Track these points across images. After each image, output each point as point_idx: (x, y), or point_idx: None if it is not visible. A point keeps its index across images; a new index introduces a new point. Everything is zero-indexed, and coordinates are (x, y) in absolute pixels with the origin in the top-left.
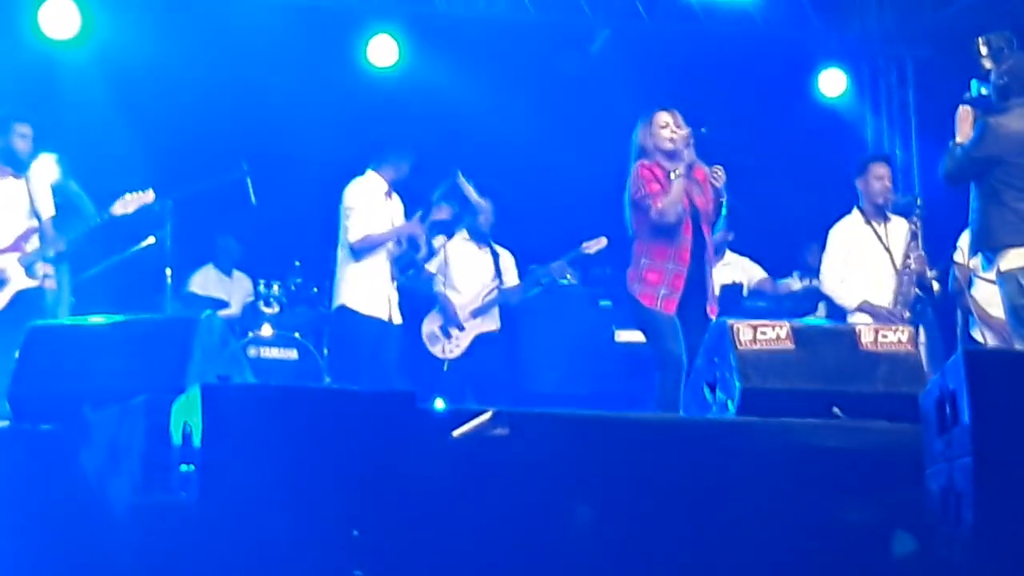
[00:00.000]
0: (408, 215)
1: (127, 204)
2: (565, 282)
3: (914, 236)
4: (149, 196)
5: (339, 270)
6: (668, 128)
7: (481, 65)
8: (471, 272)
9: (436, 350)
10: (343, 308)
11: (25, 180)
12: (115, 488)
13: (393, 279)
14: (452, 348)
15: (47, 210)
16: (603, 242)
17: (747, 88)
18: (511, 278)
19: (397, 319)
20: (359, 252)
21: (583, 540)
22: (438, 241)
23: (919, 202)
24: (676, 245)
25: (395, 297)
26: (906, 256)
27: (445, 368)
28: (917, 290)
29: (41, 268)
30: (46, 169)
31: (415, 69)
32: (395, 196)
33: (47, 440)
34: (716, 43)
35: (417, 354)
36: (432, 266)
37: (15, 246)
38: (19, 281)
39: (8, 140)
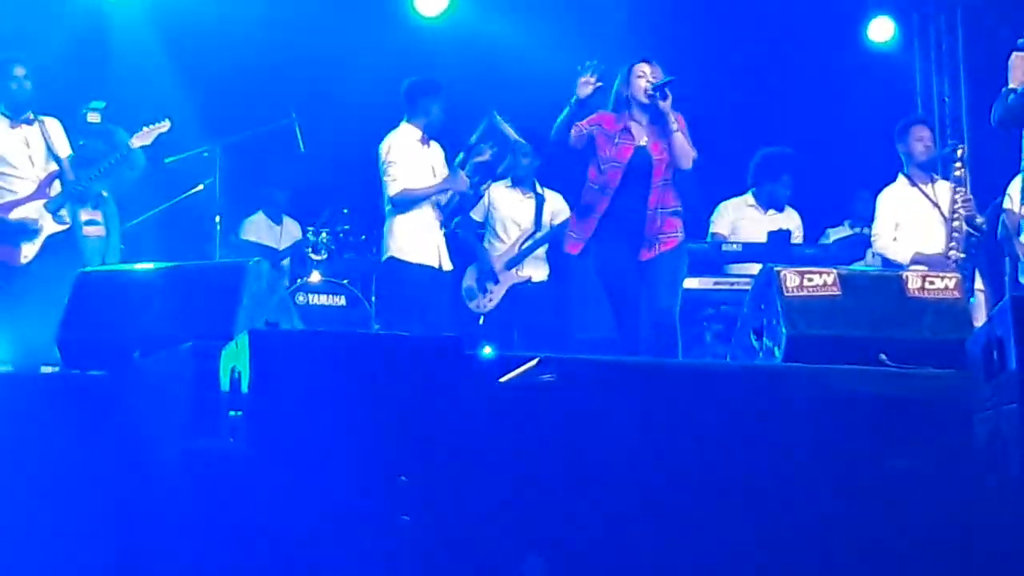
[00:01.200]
0: (449, 160)
1: (144, 136)
2: None
3: (959, 182)
4: (165, 125)
5: (386, 222)
6: (644, 78)
7: (530, 14)
8: (511, 220)
9: (472, 305)
10: (392, 259)
11: (39, 124)
12: (164, 434)
13: (441, 226)
14: (486, 303)
15: (63, 150)
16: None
17: (796, 35)
18: (560, 221)
19: (447, 265)
20: (401, 205)
21: (631, 488)
22: (485, 186)
23: (960, 151)
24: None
25: (443, 244)
26: (953, 201)
27: (481, 322)
28: (969, 229)
29: (67, 211)
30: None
31: (462, 18)
32: (433, 143)
33: (96, 386)
34: None
35: (461, 308)
36: (477, 214)
37: (39, 192)
38: (48, 227)
39: (5, 85)
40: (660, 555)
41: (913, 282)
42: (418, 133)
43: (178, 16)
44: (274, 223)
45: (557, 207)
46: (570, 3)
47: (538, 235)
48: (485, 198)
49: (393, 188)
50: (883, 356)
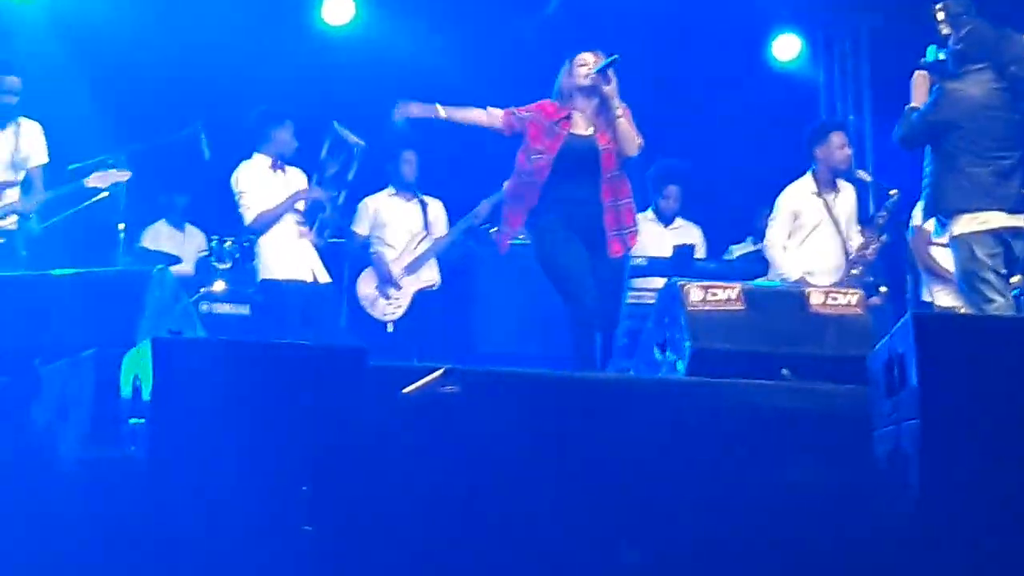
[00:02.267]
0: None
1: (102, 178)
2: (517, 241)
3: (881, 230)
4: (125, 175)
5: (255, 250)
6: (586, 67)
7: (433, 24)
8: (400, 226)
9: (376, 312)
10: (264, 281)
11: (12, 131)
12: (64, 441)
13: (314, 240)
14: (393, 309)
15: (39, 157)
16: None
17: (701, 51)
18: (441, 228)
19: (323, 278)
20: (259, 230)
21: (532, 499)
22: (340, 197)
23: (893, 195)
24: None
25: (314, 257)
26: (863, 246)
27: (389, 329)
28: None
29: (11, 222)
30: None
31: (370, 28)
32: (288, 168)
33: None
34: (671, 4)
35: (359, 319)
36: (360, 227)
37: None
38: None
39: None
40: (560, 565)
41: (816, 298)
42: (268, 161)
43: (84, 22)
44: (177, 230)
45: (437, 214)
46: (473, 12)
47: (430, 239)
48: (366, 210)
49: (247, 217)
50: (785, 371)
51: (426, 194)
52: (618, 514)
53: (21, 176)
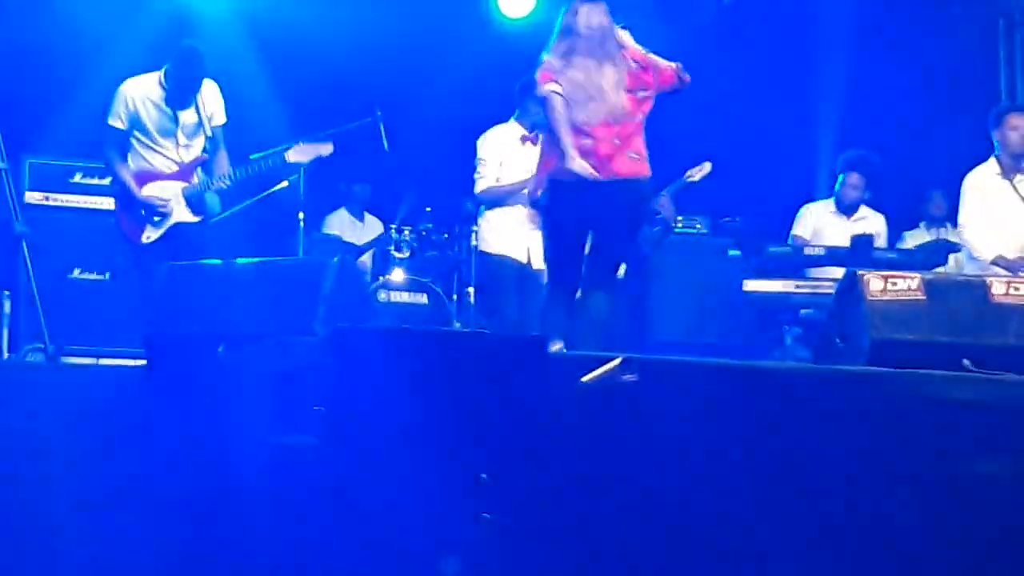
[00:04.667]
0: None
1: (302, 152)
2: (689, 230)
3: None
4: (328, 148)
5: (478, 221)
6: None
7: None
8: None
9: None
10: (479, 252)
11: (195, 108)
12: (248, 428)
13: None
14: None
15: (219, 117)
16: (707, 167)
17: (879, 38)
18: None
19: (537, 263)
20: (487, 203)
21: (713, 493)
22: None
23: None
24: None
25: (537, 242)
26: None
27: None
28: None
29: (201, 204)
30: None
31: (548, 19)
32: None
33: (181, 379)
34: None
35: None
36: None
37: (181, 175)
38: (180, 214)
39: (178, 67)
40: (747, 550)
41: (998, 288)
42: (521, 131)
43: (265, 13)
44: (357, 220)
45: None
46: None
47: None
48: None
49: (478, 186)
50: (967, 362)
51: None
52: (801, 507)
53: (201, 152)
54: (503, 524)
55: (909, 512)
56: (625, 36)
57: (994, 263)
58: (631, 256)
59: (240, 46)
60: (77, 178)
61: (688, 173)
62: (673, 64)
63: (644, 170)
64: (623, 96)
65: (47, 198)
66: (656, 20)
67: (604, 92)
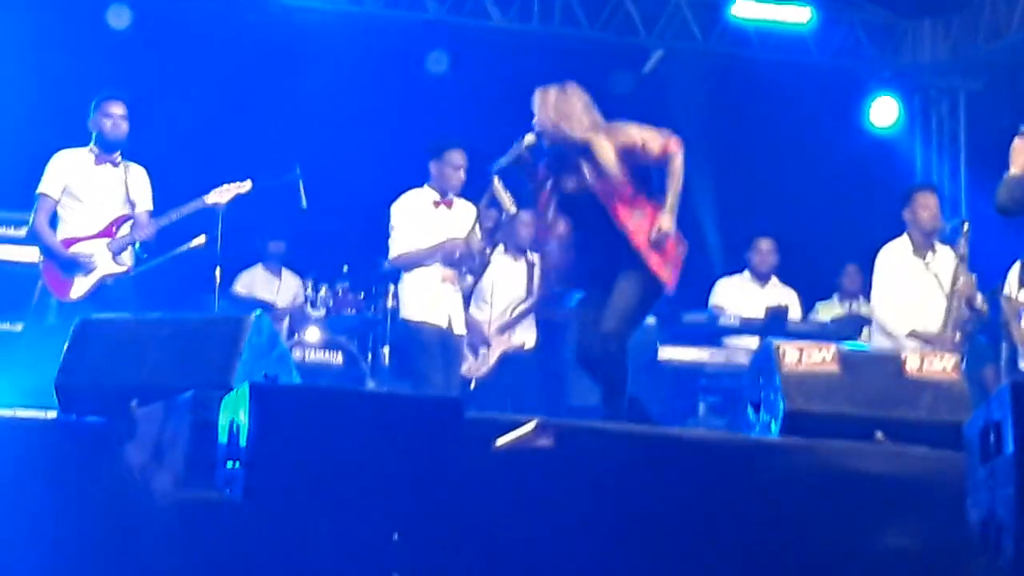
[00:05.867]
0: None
1: (222, 193)
2: None
3: (962, 259)
4: (246, 185)
5: (398, 286)
6: None
7: (534, 80)
8: (502, 286)
9: (464, 369)
10: (399, 318)
11: (124, 169)
12: (159, 483)
13: (455, 288)
14: (479, 367)
15: (144, 203)
16: None
17: (799, 114)
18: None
19: (458, 329)
20: (403, 267)
21: (624, 556)
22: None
23: (966, 227)
24: None
25: (456, 306)
26: (954, 279)
27: (472, 387)
28: (966, 310)
29: (129, 256)
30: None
31: (469, 79)
32: (455, 203)
33: (93, 432)
34: (768, 68)
35: None
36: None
37: (106, 231)
38: (105, 266)
39: (99, 122)
40: None
41: (912, 363)
42: (434, 195)
43: (184, 63)
44: (273, 276)
45: None
46: (569, 70)
47: (530, 301)
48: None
49: (391, 251)
50: (880, 434)
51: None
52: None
53: (129, 212)
54: None
55: None
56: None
57: (909, 336)
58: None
59: (161, 99)
60: None
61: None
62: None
63: None
64: None
65: None
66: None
67: None
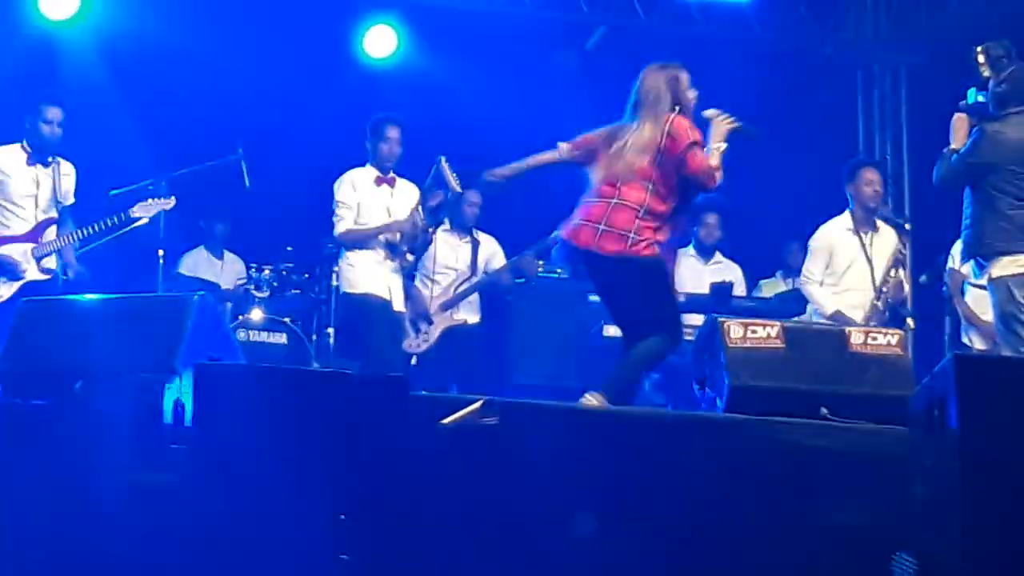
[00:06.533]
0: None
1: (148, 208)
2: (542, 273)
3: (897, 261)
4: (170, 202)
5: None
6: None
7: (475, 56)
8: (446, 263)
9: (405, 345)
10: (341, 293)
11: (53, 169)
12: (105, 465)
13: (396, 268)
14: (420, 342)
15: (68, 198)
16: None
17: (740, 90)
18: (494, 266)
19: (397, 305)
20: (347, 245)
21: (567, 533)
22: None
23: (907, 227)
24: None
25: (396, 283)
26: (886, 276)
27: (413, 362)
28: (891, 308)
29: (53, 261)
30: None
31: (411, 60)
32: (397, 181)
33: (38, 416)
34: (711, 45)
35: None
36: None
37: (32, 236)
38: (31, 273)
39: (36, 124)
40: None
41: (856, 337)
42: (374, 173)
43: (127, 48)
44: (216, 257)
45: (492, 251)
46: (515, 51)
47: (474, 279)
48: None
49: (337, 228)
50: (825, 410)
51: (485, 231)
52: (652, 551)
53: (55, 216)
54: (361, 564)
55: (765, 560)
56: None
57: (831, 319)
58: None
59: (103, 79)
60: None
61: (554, 235)
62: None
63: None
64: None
65: None
66: (521, 68)
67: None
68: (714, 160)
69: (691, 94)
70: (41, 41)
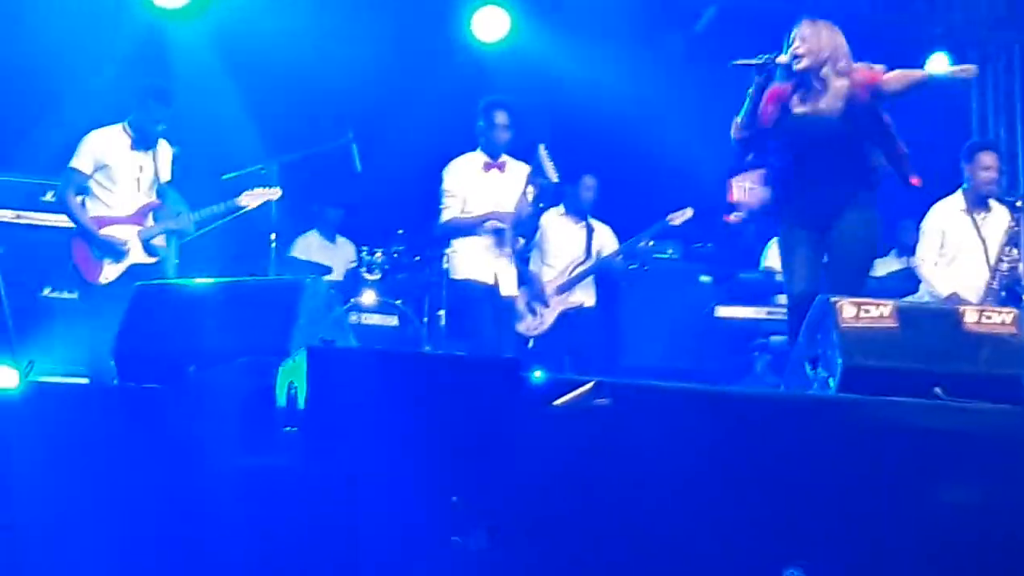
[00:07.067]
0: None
1: (254, 196)
2: (661, 256)
3: (1012, 239)
4: (276, 193)
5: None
6: None
7: (588, 40)
8: (562, 247)
9: (521, 327)
10: (449, 278)
11: (153, 154)
12: (218, 449)
13: (503, 253)
14: (536, 325)
15: (164, 175)
16: (688, 213)
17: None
18: (607, 253)
19: (505, 290)
20: (450, 233)
21: (682, 516)
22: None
23: (1020, 204)
24: None
25: (505, 269)
26: (1000, 256)
27: (530, 345)
28: (1008, 287)
29: (160, 242)
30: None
31: (522, 43)
32: (507, 165)
33: (151, 399)
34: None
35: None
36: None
37: (136, 217)
38: (136, 255)
39: (143, 112)
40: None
41: (970, 316)
42: (482, 159)
43: (239, 33)
44: (328, 242)
45: (605, 239)
46: (627, 29)
47: (589, 263)
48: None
49: (443, 215)
50: (938, 389)
51: (598, 219)
52: (769, 532)
53: (157, 200)
54: (473, 547)
55: (878, 540)
56: None
57: (948, 299)
58: None
59: (214, 66)
60: (49, 196)
61: (670, 216)
62: None
63: None
64: None
65: (18, 216)
66: (629, 47)
67: None
68: None
69: None
70: (152, 29)
